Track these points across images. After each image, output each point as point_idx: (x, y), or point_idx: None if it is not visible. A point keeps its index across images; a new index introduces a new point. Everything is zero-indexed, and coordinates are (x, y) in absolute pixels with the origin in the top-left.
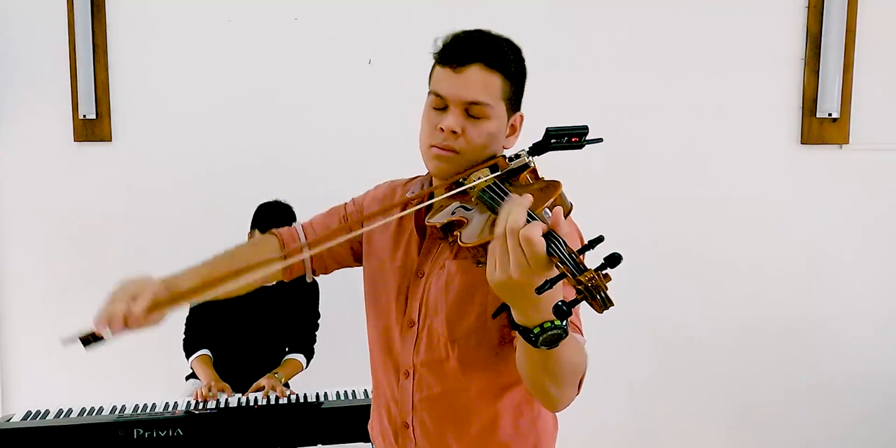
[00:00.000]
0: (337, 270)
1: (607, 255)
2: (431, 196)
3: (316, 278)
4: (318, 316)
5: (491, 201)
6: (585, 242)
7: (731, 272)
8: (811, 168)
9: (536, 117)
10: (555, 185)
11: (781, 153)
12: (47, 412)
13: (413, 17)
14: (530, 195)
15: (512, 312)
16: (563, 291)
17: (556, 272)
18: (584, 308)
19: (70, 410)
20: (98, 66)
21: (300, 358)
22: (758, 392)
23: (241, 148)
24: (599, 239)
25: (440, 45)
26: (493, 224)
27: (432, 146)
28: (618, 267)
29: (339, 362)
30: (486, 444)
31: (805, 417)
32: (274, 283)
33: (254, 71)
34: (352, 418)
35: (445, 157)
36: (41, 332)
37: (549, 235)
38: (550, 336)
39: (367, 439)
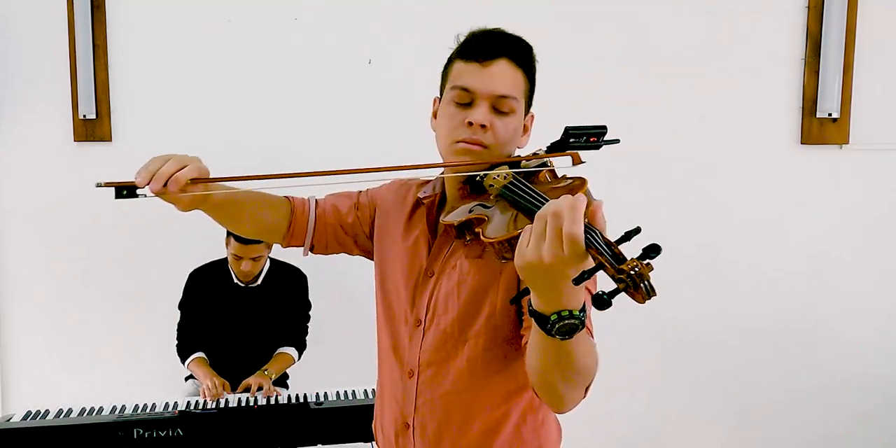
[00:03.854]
0: (334, 254)
1: (646, 245)
2: (444, 195)
3: (305, 273)
4: (308, 307)
5: (516, 197)
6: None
7: (731, 272)
8: (811, 168)
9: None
10: (582, 180)
11: (781, 153)
12: (47, 412)
13: (413, 17)
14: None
15: (531, 298)
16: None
17: (591, 263)
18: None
19: (70, 410)
20: (98, 66)
21: (291, 351)
22: (758, 392)
23: (241, 148)
24: (636, 230)
25: (462, 40)
26: (517, 220)
27: (459, 141)
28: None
29: (338, 362)
30: None
31: (805, 417)
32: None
33: (254, 71)
34: (351, 418)
35: (475, 152)
36: (41, 332)
37: (587, 227)
38: (567, 325)
39: (366, 439)
